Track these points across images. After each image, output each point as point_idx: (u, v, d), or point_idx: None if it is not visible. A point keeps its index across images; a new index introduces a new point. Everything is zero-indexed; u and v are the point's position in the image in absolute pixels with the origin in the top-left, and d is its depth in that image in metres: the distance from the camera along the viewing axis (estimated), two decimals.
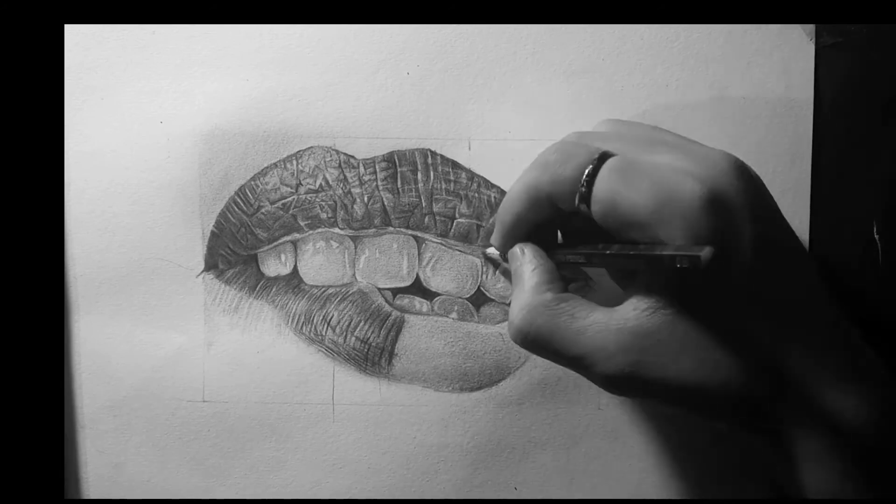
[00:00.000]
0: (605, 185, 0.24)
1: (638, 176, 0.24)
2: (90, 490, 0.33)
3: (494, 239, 0.29)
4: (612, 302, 0.25)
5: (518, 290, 0.27)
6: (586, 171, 0.25)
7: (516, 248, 0.28)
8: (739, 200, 0.23)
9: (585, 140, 0.26)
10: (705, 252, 0.22)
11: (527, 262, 0.27)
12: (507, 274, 0.32)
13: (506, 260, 0.29)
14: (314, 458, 0.33)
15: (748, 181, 0.24)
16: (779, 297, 0.24)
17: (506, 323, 0.32)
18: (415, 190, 0.32)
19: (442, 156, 0.32)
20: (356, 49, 0.32)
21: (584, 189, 0.25)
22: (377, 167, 0.32)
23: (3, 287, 0.29)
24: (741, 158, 0.24)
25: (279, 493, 0.33)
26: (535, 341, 0.26)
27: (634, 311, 0.24)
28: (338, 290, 0.33)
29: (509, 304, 0.30)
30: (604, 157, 0.25)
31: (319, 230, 0.32)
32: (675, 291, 0.24)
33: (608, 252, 0.25)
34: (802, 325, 0.24)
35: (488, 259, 0.32)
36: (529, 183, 0.26)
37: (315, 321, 0.33)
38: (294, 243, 0.33)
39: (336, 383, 0.33)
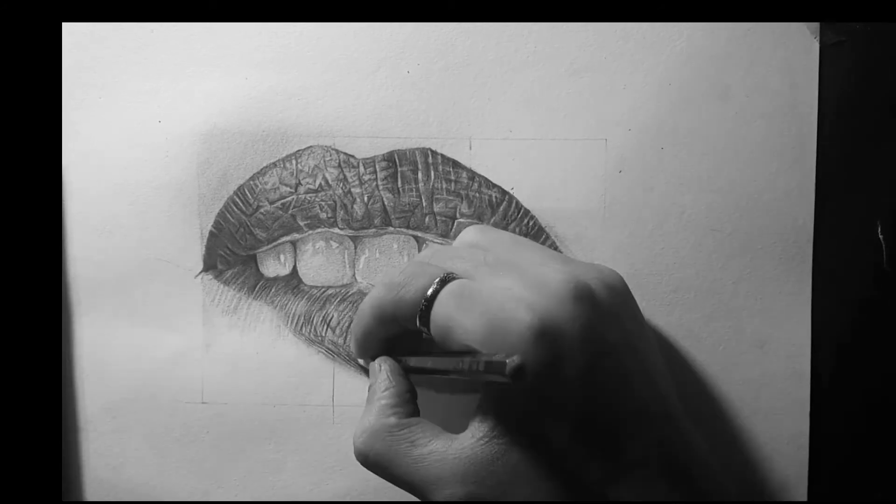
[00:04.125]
0: (442, 310, 0.24)
1: (472, 302, 0.24)
2: (89, 492, 0.33)
3: (353, 351, 0.29)
4: None
5: (367, 409, 0.27)
6: (427, 294, 0.25)
7: (375, 364, 0.28)
8: (571, 329, 0.23)
9: (437, 257, 0.27)
10: (511, 360, 0.21)
11: (381, 380, 0.27)
12: None
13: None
14: (314, 460, 0.33)
15: (587, 307, 0.24)
16: (611, 423, 0.24)
17: None
18: (415, 190, 0.32)
19: (442, 155, 0.32)
20: (356, 48, 0.32)
21: (423, 311, 0.25)
22: (377, 167, 0.32)
23: (1, 288, 0.28)
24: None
25: (279, 495, 0.33)
26: (376, 465, 0.26)
27: (471, 440, 0.24)
28: (337, 290, 0.32)
29: None
30: (445, 280, 0.25)
31: (319, 230, 0.32)
32: (510, 420, 0.24)
33: (428, 366, 0.25)
34: (638, 449, 0.23)
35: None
36: (375, 301, 0.27)
37: (315, 322, 0.32)
38: (293, 243, 0.33)
39: (336, 384, 0.33)
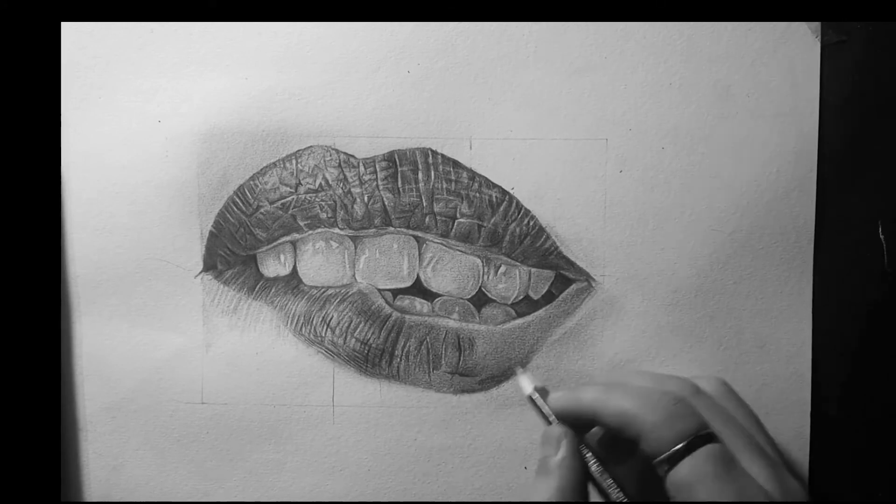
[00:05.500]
0: (697, 469, 0.25)
1: (732, 480, 0.24)
2: (88, 492, 0.33)
3: (560, 400, 0.28)
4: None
5: (544, 483, 0.27)
6: (686, 442, 0.25)
7: (557, 433, 0.28)
8: None
9: (698, 402, 0.27)
10: None
11: (559, 458, 0.27)
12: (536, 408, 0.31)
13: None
14: (314, 461, 0.33)
15: None
16: None
17: (508, 324, 0.32)
18: (415, 190, 0.32)
19: (443, 155, 0.32)
20: (356, 47, 0.32)
21: (674, 455, 0.25)
22: (377, 167, 0.32)
23: (1, 288, 0.28)
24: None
25: (279, 495, 0.33)
26: None
27: None
28: (337, 290, 0.32)
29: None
30: (708, 438, 0.25)
31: (319, 230, 0.32)
32: None
33: (605, 486, 0.26)
34: None
35: (532, 401, 0.30)
36: (630, 411, 0.26)
37: (314, 322, 0.32)
38: (293, 243, 0.33)
39: (336, 385, 0.32)
